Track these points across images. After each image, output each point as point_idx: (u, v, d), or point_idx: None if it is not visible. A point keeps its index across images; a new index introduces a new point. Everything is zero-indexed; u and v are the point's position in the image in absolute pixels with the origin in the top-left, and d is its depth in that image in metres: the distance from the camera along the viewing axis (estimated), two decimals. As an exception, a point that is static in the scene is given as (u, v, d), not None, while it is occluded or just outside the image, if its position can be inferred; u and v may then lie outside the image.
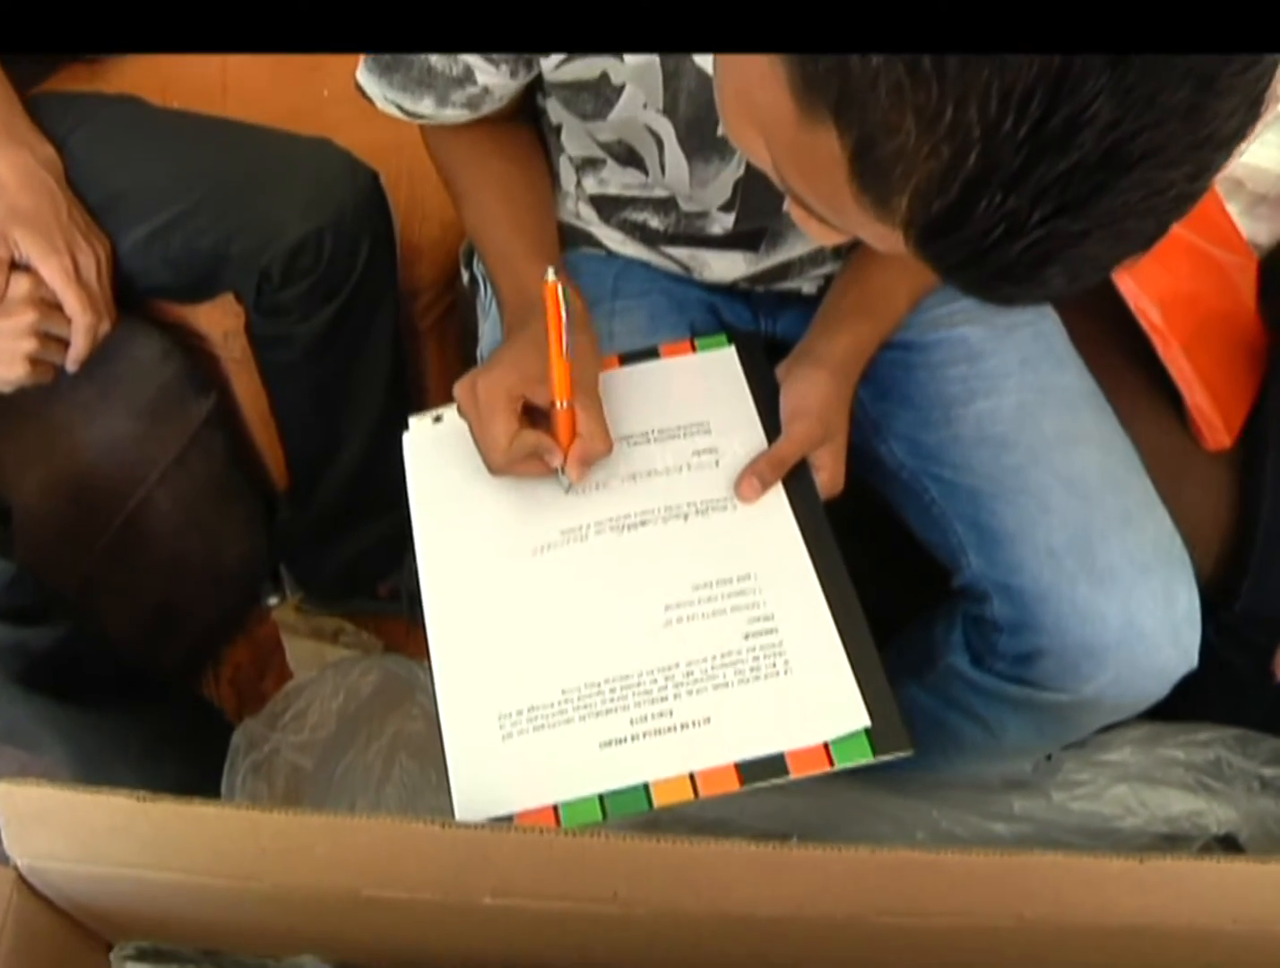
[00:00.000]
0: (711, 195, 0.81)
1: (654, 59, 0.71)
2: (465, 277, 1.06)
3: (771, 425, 0.82)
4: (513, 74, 0.75)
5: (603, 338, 0.87)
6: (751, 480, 0.78)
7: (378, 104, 0.81)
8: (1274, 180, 1.15)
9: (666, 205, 0.86)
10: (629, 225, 0.91)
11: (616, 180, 0.87)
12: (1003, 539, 0.82)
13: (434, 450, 0.83)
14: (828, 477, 0.81)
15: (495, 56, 0.73)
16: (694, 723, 0.70)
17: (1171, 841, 0.93)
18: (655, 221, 0.88)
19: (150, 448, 1.08)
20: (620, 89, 0.74)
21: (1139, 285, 1.02)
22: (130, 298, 1.01)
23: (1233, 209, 1.17)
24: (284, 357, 1.08)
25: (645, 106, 0.75)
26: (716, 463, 0.81)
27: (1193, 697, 0.82)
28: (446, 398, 0.80)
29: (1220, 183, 1.17)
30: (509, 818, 0.67)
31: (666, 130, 0.77)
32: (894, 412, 0.91)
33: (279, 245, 0.97)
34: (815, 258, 0.90)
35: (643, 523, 0.78)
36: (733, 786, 0.68)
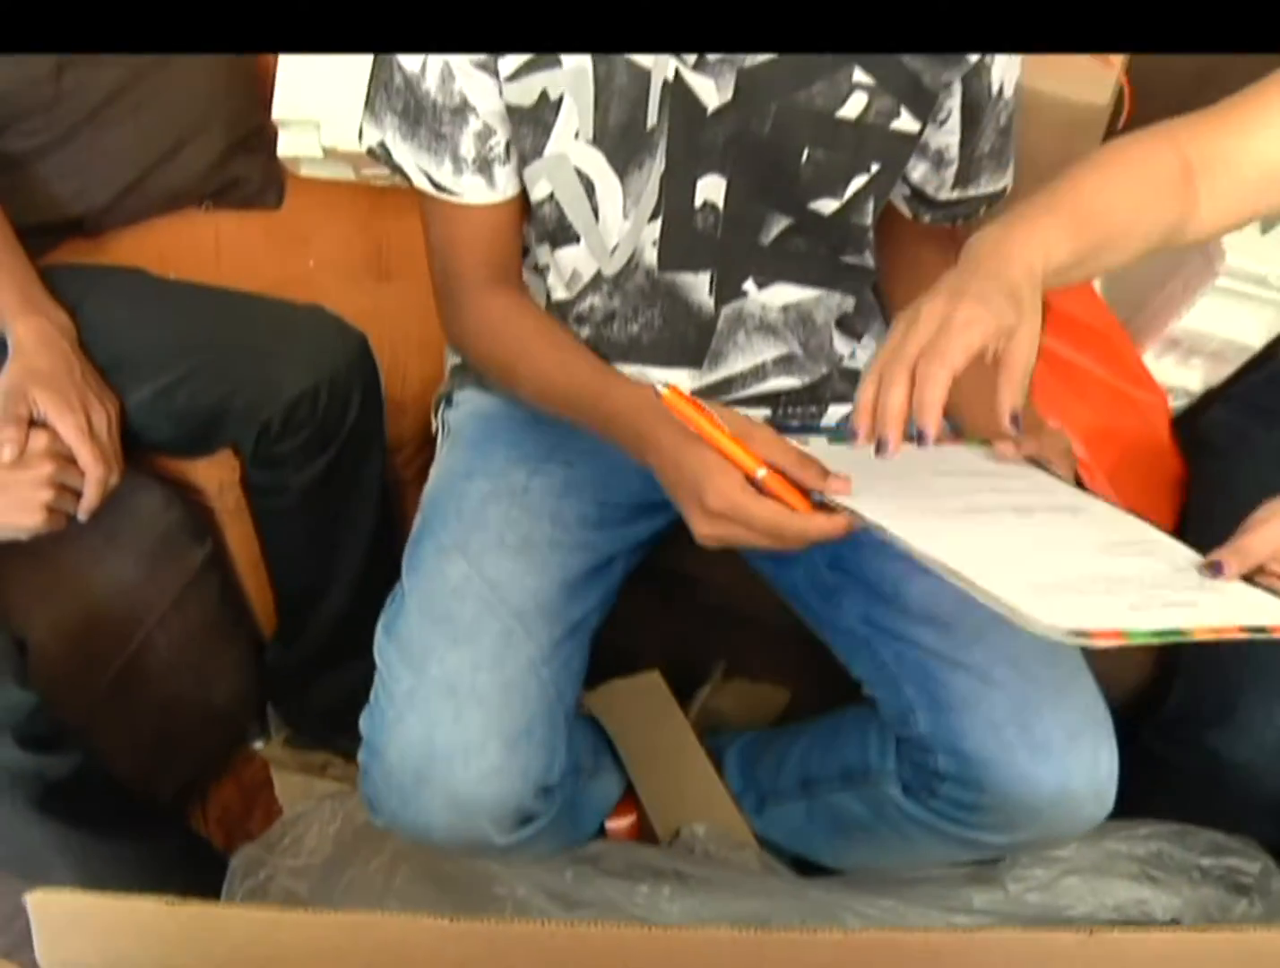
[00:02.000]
0: (644, 206, 0.89)
1: (587, 65, 0.82)
2: (435, 424, 1.11)
3: None
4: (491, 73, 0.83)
5: (516, 490, 0.93)
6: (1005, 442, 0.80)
7: (412, 177, 0.89)
8: (1206, 339, 1.26)
9: (598, 281, 0.95)
10: (583, 325, 0.97)
11: (559, 282, 0.96)
12: (951, 708, 0.88)
13: None
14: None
15: (476, 60, 0.82)
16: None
17: (1122, 927, 0.98)
18: (598, 300, 0.95)
19: (150, 592, 1.12)
20: (558, 105, 0.84)
21: (1063, 422, 1.11)
22: (134, 452, 1.06)
23: (1169, 360, 1.28)
24: (278, 504, 1.14)
25: (577, 137, 0.85)
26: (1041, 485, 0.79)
27: (1133, 794, 0.89)
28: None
29: (1158, 342, 1.27)
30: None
31: (596, 163, 0.86)
32: (847, 583, 0.95)
33: (279, 400, 1.04)
34: (757, 372, 0.98)
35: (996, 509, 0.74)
36: None
